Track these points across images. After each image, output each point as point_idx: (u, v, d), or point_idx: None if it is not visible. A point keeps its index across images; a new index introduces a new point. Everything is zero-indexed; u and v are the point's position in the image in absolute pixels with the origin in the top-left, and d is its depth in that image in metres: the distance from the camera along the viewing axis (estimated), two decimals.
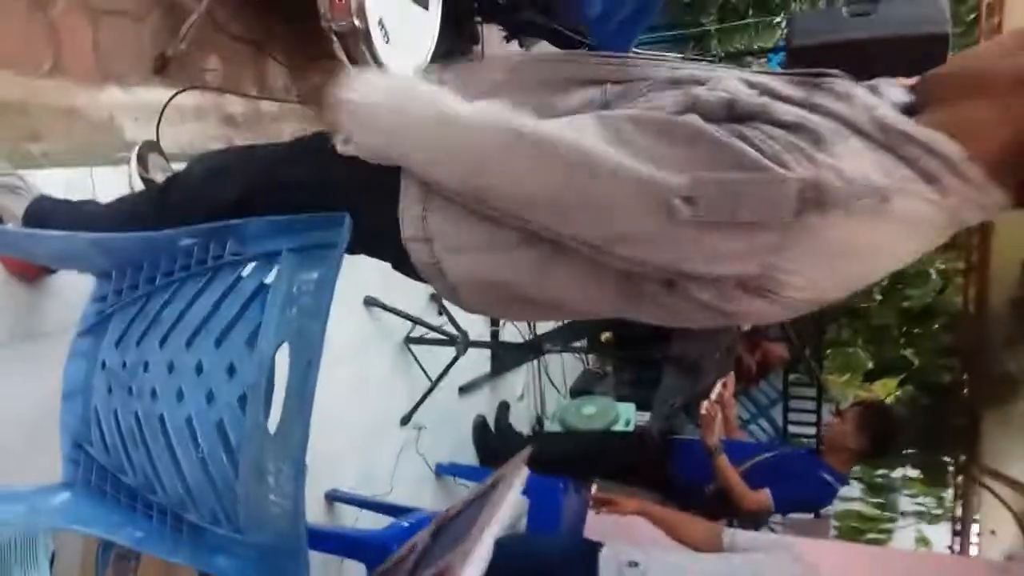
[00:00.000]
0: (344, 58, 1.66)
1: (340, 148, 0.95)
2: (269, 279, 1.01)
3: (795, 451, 3.34)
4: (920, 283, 6.02)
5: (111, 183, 1.66)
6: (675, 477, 3.02)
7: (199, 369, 0.99)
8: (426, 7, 1.88)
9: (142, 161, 1.68)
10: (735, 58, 4.97)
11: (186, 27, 1.85)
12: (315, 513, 2.30)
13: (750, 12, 5.23)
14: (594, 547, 1.94)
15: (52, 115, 1.60)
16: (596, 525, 2.78)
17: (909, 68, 3.03)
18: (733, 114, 0.78)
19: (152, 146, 1.74)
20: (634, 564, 1.83)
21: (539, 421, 4.21)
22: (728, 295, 0.78)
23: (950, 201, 0.77)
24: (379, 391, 2.65)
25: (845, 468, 2.85)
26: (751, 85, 0.84)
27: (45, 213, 1.34)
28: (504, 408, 3.78)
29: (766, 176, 0.72)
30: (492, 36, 3.58)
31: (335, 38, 1.62)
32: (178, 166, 1.79)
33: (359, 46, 1.62)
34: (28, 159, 1.53)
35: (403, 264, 1.00)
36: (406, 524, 2.17)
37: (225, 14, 2.02)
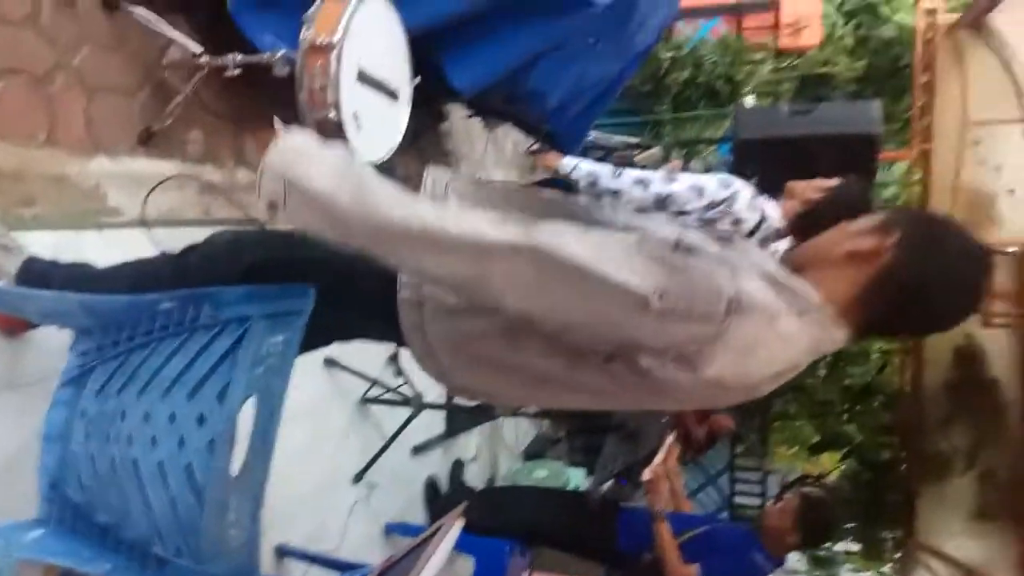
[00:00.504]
0: None
1: (263, 214, 1.04)
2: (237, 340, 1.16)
3: (735, 528, 3.44)
4: (861, 362, 6.30)
5: (95, 246, 1.80)
6: (619, 548, 3.11)
7: (172, 418, 1.12)
8: (396, 98, 2.08)
9: None
10: (687, 145, 5.31)
11: (173, 105, 2.02)
12: (264, 566, 2.37)
13: (702, 103, 5.60)
14: None
15: (44, 182, 1.75)
16: None
17: (842, 164, 3.32)
18: (680, 248, 1.05)
19: None
20: None
21: (491, 482, 4.30)
22: (664, 365, 1.03)
23: (812, 330, 1.08)
24: (334, 449, 2.75)
25: (780, 553, 2.90)
26: (682, 231, 1.13)
27: (40, 273, 1.48)
28: (458, 466, 3.87)
29: (710, 287, 1.00)
30: (455, 114, 3.84)
31: (313, 128, 1.80)
32: (161, 235, 1.95)
33: (334, 135, 1.80)
34: (20, 222, 1.67)
35: (389, 331, 1.16)
36: None
37: (210, 93, 2.21)
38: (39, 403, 1.32)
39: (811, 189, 2.44)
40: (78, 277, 1.46)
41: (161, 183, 1.96)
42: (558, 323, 1.04)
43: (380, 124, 2.01)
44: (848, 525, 5.81)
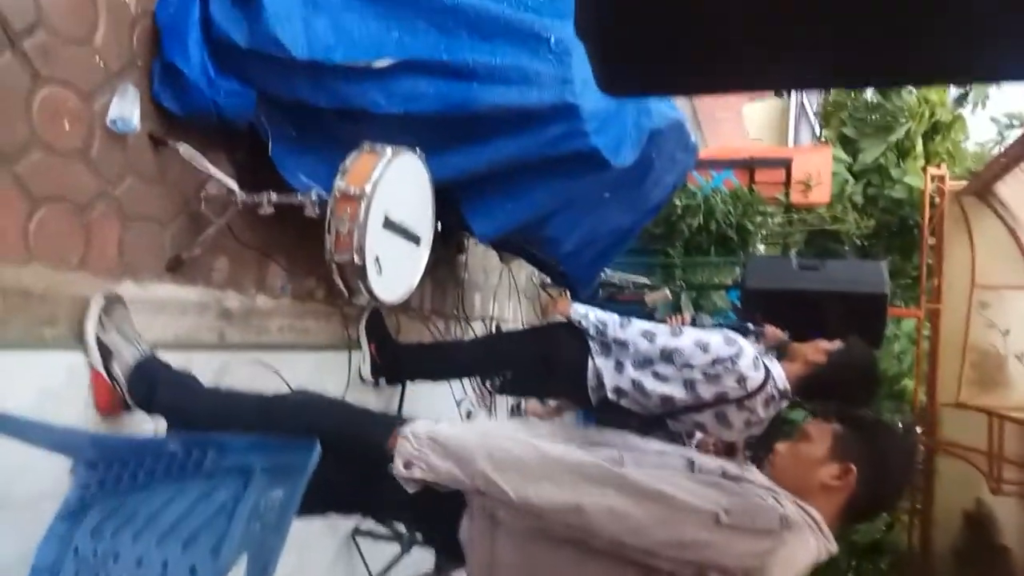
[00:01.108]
0: (341, 286, 1.91)
1: (402, 471, 1.30)
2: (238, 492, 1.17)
3: None
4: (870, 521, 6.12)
5: None
6: None
7: (165, 566, 1.12)
8: (418, 243, 2.17)
9: (101, 316, 1.83)
10: (696, 289, 5.42)
11: (204, 236, 2.12)
12: None
13: (713, 249, 5.76)
14: None
15: (69, 303, 1.81)
16: None
17: (850, 321, 3.35)
18: (729, 476, 1.30)
19: (115, 300, 1.88)
20: None
21: None
22: None
23: (821, 543, 1.26)
24: None
25: None
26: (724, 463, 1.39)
27: (151, 375, 1.73)
28: None
29: (765, 507, 1.21)
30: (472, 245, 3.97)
31: (335, 269, 1.88)
32: (171, 357, 1.99)
33: (355, 277, 1.87)
34: (40, 341, 1.72)
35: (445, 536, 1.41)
36: None
37: (241, 223, 2.31)
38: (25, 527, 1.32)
39: (814, 352, 2.48)
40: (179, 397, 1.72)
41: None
42: (642, 546, 1.19)
43: (400, 267, 2.09)
44: None
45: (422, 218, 2.17)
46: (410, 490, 1.32)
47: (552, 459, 1.27)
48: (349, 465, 1.50)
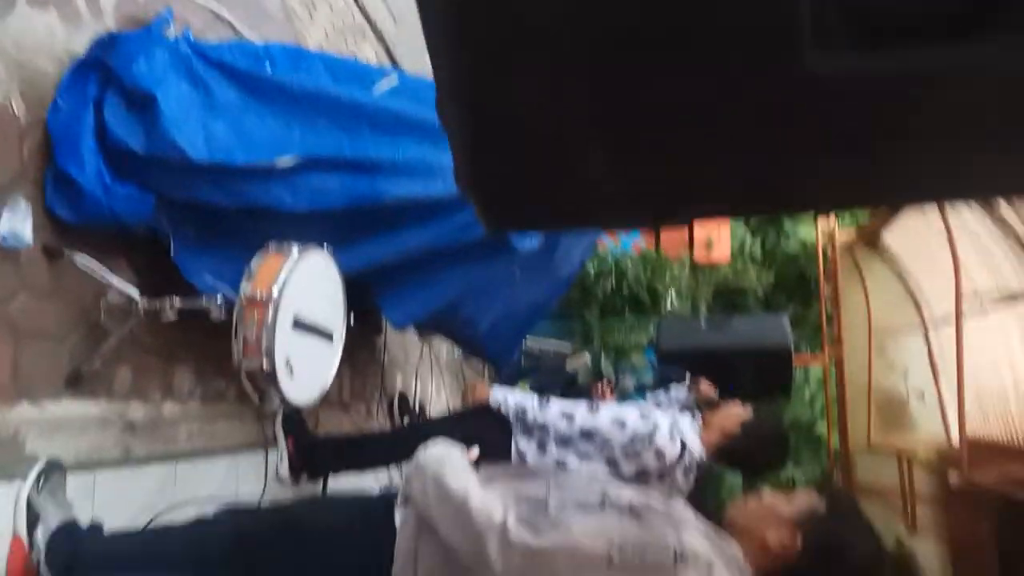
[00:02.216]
0: (251, 392, 1.87)
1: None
2: None
3: None
4: None
5: (3, 500, 1.72)
6: None
7: None
8: (331, 339, 2.15)
9: (39, 480, 1.77)
10: (614, 350, 5.53)
11: (105, 347, 2.04)
12: None
13: (627, 310, 5.91)
14: None
15: None
16: None
17: (759, 375, 3.48)
18: (632, 510, 1.37)
19: (55, 466, 1.83)
20: None
21: None
22: None
23: (740, 573, 1.33)
24: None
25: None
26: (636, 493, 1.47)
27: (69, 547, 1.68)
28: None
29: (659, 542, 1.27)
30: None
31: (244, 375, 1.84)
32: (74, 481, 1.89)
33: (265, 384, 1.83)
34: None
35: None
36: None
37: (143, 329, 2.23)
38: None
39: (727, 421, 2.57)
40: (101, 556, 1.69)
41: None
42: None
43: (313, 365, 2.06)
44: None
45: (333, 314, 2.15)
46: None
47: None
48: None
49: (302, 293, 1.94)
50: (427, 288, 2.44)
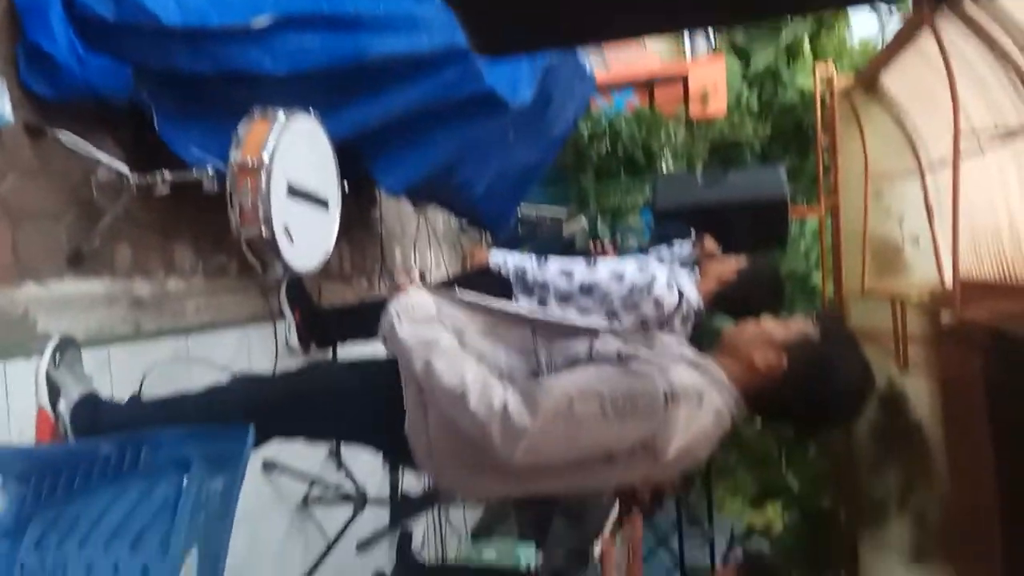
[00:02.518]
0: (253, 261, 1.88)
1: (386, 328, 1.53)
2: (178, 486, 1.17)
3: None
4: None
5: (24, 375, 1.77)
6: None
7: (116, 570, 1.12)
8: (327, 207, 2.13)
9: (56, 355, 1.80)
10: (611, 213, 5.53)
11: (101, 225, 2.03)
12: None
13: (622, 172, 5.85)
14: None
15: None
16: None
17: (757, 227, 3.52)
18: (620, 358, 1.41)
19: (69, 342, 1.87)
20: None
21: (442, 556, 4.23)
22: (632, 455, 1.34)
23: (725, 398, 1.40)
24: (275, 555, 2.69)
25: None
26: (623, 342, 1.49)
27: (92, 411, 1.73)
28: (406, 539, 3.79)
29: (648, 387, 1.31)
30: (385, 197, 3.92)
31: (245, 245, 1.84)
32: (88, 356, 1.93)
33: (266, 250, 1.84)
34: None
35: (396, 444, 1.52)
36: None
37: (138, 207, 2.22)
38: None
39: (724, 269, 2.60)
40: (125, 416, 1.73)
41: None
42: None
43: (312, 233, 2.06)
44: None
45: (327, 180, 2.13)
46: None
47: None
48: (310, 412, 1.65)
49: (293, 158, 1.91)
50: (419, 151, 2.40)
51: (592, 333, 1.53)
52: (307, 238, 1.99)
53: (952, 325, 4.31)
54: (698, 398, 1.34)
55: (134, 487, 1.19)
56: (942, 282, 5.04)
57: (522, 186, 3.53)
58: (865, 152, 5.51)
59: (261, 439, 1.67)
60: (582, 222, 5.55)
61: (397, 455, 1.65)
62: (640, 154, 5.81)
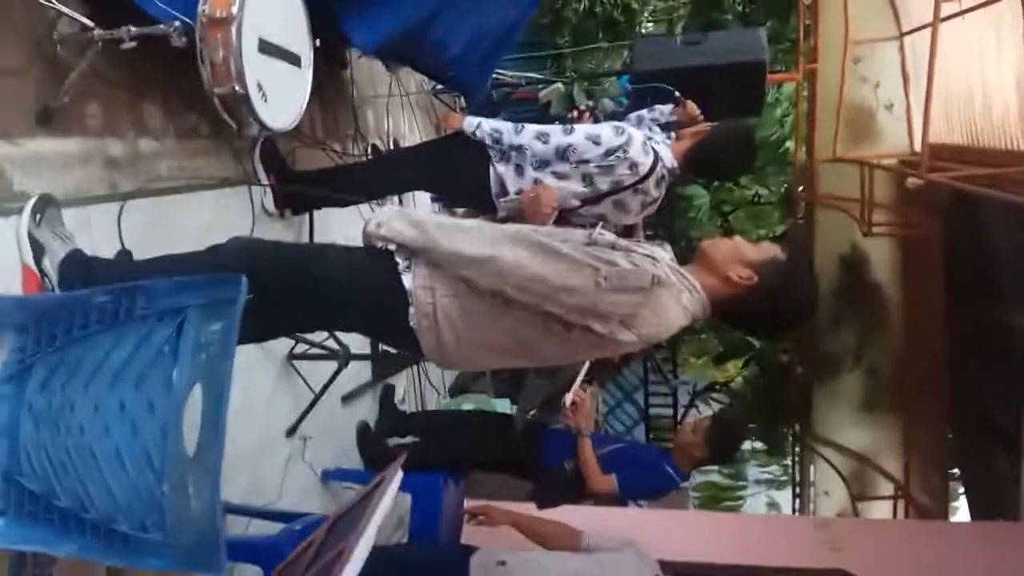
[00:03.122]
0: (227, 118, 1.86)
1: (372, 229, 1.68)
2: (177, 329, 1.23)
3: (648, 446, 3.72)
4: None
5: (3, 234, 1.79)
6: (544, 464, 3.39)
7: (123, 407, 1.20)
8: (299, 64, 2.10)
9: (36, 214, 1.81)
10: (588, 78, 5.42)
11: (69, 81, 1.98)
12: None
13: (600, 35, 5.68)
14: (468, 552, 2.23)
15: None
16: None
17: (734, 90, 3.55)
18: (617, 247, 1.58)
19: (49, 200, 1.87)
20: (502, 563, 2.17)
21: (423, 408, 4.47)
22: (613, 327, 1.53)
23: (695, 305, 1.62)
24: (265, 407, 2.83)
25: (688, 468, 3.23)
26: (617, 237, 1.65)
27: (81, 263, 1.79)
28: (389, 390, 3.99)
29: (638, 271, 1.51)
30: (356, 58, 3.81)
31: (217, 101, 1.82)
32: (68, 215, 1.94)
33: (240, 107, 1.82)
34: None
35: (397, 325, 1.64)
36: (298, 528, 2.38)
37: (106, 64, 2.15)
38: None
39: (699, 130, 2.63)
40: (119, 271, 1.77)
41: None
42: (540, 291, 1.51)
43: (285, 91, 2.04)
44: (752, 426, 6.33)
45: (298, 36, 2.08)
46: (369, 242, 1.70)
47: (480, 226, 1.67)
48: (302, 296, 1.70)
49: (263, 12, 1.86)
50: (391, 5, 2.33)
51: (592, 225, 1.73)
52: (280, 96, 1.98)
53: (916, 188, 4.41)
54: (677, 292, 1.56)
55: (132, 333, 1.25)
56: (912, 147, 5.12)
57: (499, 47, 3.43)
58: (846, 15, 5.39)
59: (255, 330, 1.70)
60: (559, 87, 5.46)
61: (398, 345, 1.81)
62: (619, 15, 5.63)
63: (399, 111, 4.69)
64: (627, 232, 3.32)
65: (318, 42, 2.17)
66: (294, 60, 2.06)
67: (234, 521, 2.62)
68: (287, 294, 1.69)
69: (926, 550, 3.50)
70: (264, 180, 2.87)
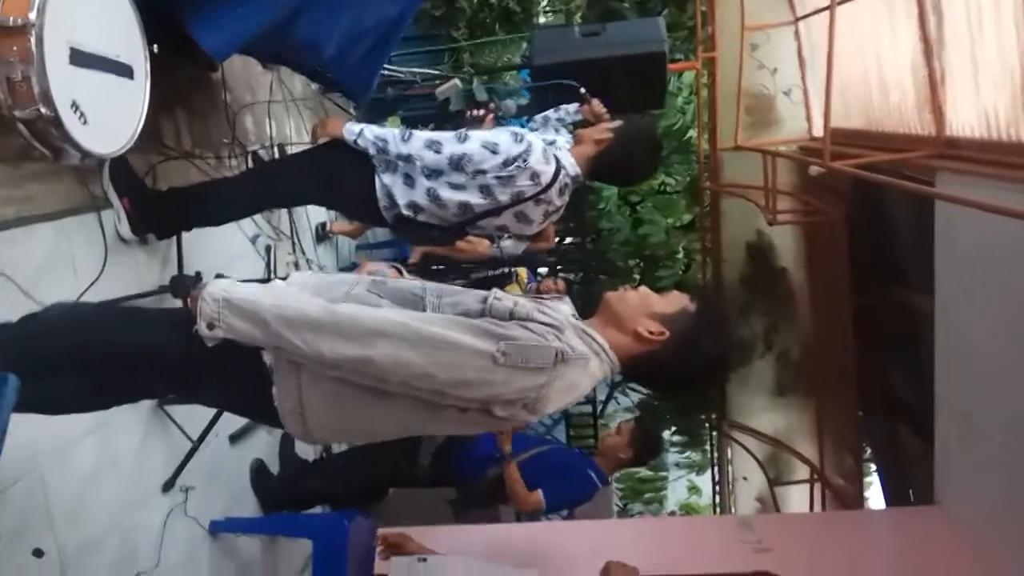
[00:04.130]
0: (38, 146, 1.54)
1: (204, 332, 1.32)
2: None
3: (568, 450, 3.64)
4: (670, 264, 6.70)
5: None
6: (459, 475, 3.28)
7: None
8: (130, 76, 1.78)
9: None
10: (487, 72, 5.19)
11: None
12: None
13: (498, 27, 5.46)
14: None
15: None
16: None
17: (634, 81, 3.39)
18: (516, 315, 1.40)
19: None
20: (423, 559, 2.23)
21: (327, 449, 4.17)
22: (515, 411, 1.37)
23: (603, 367, 1.47)
24: (132, 463, 2.47)
25: (611, 472, 3.23)
26: (515, 304, 1.44)
27: None
28: (287, 439, 3.69)
29: (542, 344, 1.34)
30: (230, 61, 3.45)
31: (22, 127, 1.50)
32: None
33: (50, 132, 1.51)
34: None
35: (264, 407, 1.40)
36: None
37: None
38: None
39: (598, 132, 2.45)
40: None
41: None
42: (431, 388, 1.31)
43: (112, 108, 1.73)
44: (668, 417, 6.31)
45: (127, 42, 1.77)
46: (210, 345, 1.35)
47: (343, 317, 1.33)
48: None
49: (73, 16, 1.55)
50: (244, 4, 2.03)
51: (487, 289, 1.52)
52: (105, 115, 1.67)
53: (819, 176, 4.40)
54: (585, 364, 1.41)
55: None
56: (811, 133, 5.14)
57: (383, 45, 3.16)
58: (741, 2, 5.37)
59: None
60: (455, 83, 5.21)
61: (268, 423, 1.54)
62: (515, 5, 5.41)
63: (284, 114, 4.34)
64: (535, 238, 3.15)
65: (156, 48, 1.85)
66: (123, 71, 1.75)
67: None
68: (129, 371, 1.45)
69: (849, 540, 3.47)
70: (117, 204, 2.51)
